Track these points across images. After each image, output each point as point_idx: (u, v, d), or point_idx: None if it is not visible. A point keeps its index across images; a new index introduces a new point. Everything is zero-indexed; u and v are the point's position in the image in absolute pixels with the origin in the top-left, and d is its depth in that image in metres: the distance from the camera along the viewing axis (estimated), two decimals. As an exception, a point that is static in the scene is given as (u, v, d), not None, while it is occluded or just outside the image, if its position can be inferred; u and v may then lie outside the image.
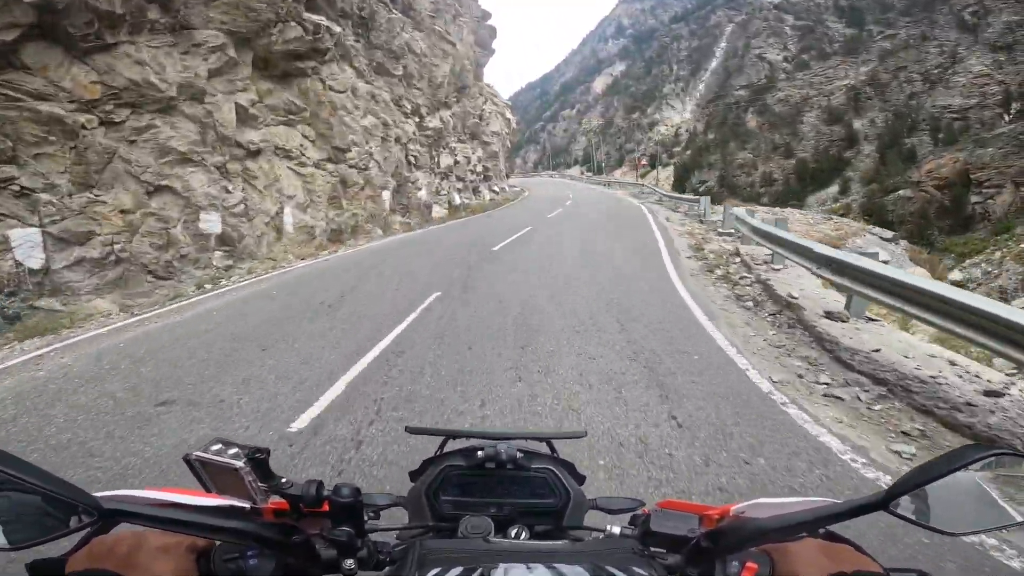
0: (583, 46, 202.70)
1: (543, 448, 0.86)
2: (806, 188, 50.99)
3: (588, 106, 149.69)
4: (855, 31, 67.27)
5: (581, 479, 0.84)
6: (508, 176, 40.17)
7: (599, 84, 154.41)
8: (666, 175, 70.61)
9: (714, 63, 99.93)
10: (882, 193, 41.25)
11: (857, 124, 54.38)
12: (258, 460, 0.61)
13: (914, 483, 0.48)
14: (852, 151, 52.96)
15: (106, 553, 0.55)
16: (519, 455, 0.78)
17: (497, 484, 0.78)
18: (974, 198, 38.54)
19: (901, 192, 39.72)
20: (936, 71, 49.16)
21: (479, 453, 0.78)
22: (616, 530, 0.71)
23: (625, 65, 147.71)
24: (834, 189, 49.27)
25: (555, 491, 0.79)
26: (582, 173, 63.75)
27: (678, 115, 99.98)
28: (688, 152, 79.14)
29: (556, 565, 0.56)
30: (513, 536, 0.73)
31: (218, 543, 0.61)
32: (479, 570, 0.54)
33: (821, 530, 0.62)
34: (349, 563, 0.63)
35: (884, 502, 0.49)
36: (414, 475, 0.84)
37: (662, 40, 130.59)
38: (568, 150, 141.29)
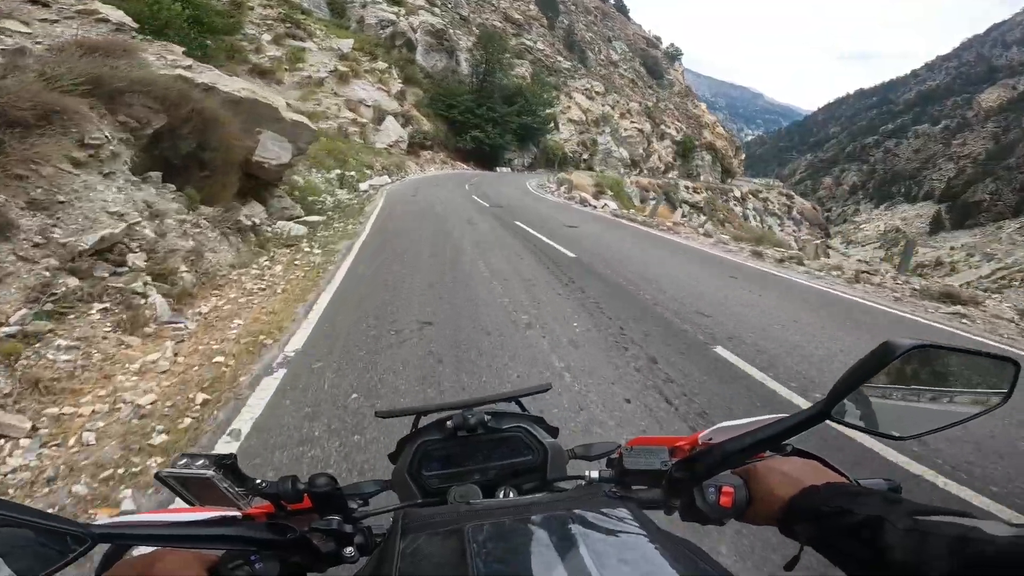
0: (964, 51, 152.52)
1: (514, 408, 0.87)
2: None
3: (965, 123, 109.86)
4: None
5: (554, 431, 0.83)
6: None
7: (990, 97, 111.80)
8: None
9: None
10: None
11: None
12: (227, 466, 0.61)
13: (846, 386, 0.49)
14: None
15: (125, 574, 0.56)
16: (487, 418, 0.78)
17: (475, 451, 0.78)
18: None
19: None
20: None
21: (448, 423, 0.78)
22: (595, 474, 0.71)
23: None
24: None
25: (530, 447, 0.78)
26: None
27: None
28: None
29: (532, 517, 0.56)
30: (500, 497, 0.74)
31: (221, 553, 0.60)
32: (458, 529, 0.54)
33: (788, 447, 0.64)
34: (349, 550, 0.64)
35: (827, 411, 0.50)
36: (393, 457, 0.82)
37: None
38: (918, 179, 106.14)
